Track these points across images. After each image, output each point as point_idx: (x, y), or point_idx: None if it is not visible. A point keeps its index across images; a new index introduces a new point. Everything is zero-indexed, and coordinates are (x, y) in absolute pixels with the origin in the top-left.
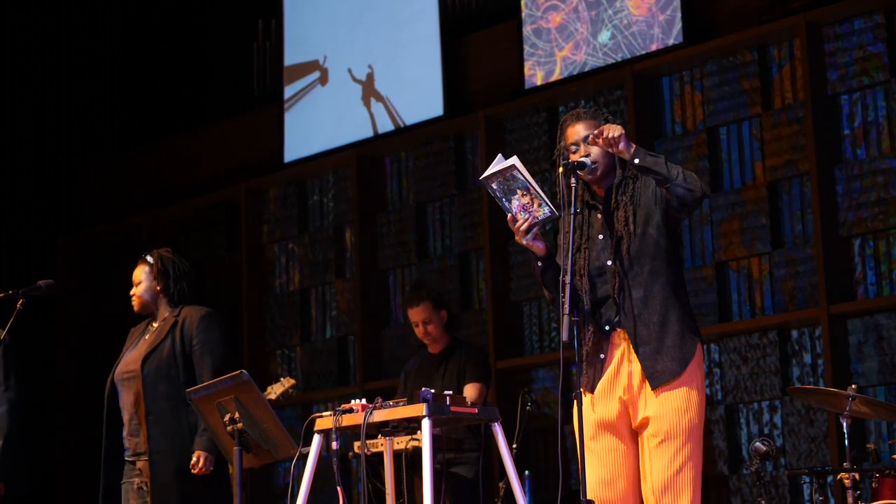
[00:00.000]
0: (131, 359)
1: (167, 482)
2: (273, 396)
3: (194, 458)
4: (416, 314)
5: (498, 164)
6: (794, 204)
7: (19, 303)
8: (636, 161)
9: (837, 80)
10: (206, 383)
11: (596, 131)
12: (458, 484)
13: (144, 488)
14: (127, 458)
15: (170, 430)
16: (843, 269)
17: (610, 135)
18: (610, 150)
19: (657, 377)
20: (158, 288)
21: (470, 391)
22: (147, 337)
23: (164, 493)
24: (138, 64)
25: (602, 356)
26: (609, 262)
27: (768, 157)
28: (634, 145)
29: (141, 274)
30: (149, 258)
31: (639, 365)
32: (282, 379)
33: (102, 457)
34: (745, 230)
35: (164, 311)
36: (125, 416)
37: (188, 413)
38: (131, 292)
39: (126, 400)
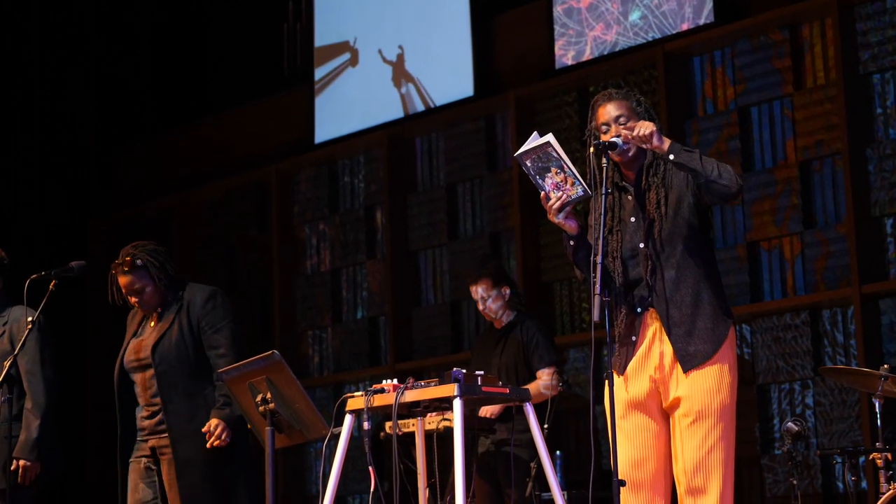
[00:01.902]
0: (140, 347)
1: (194, 468)
2: None
3: (208, 425)
4: (475, 291)
5: (533, 141)
6: (825, 184)
7: (52, 284)
8: (671, 157)
9: (870, 59)
10: (237, 364)
11: (626, 131)
12: (513, 465)
13: (153, 468)
14: (139, 438)
15: (189, 413)
16: (875, 248)
17: (640, 133)
18: (643, 146)
19: (689, 360)
20: (161, 285)
21: (544, 377)
22: (152, 324)
23: (192, 479)
24: (169, 46)
25: (634, 338)
26: (641, 245)
27: (800, 137)
28: (669, 140)
29: (138, 281)
30: (138, 262)
31: (670, 346)
32: None
33: (119, 444)
34: (777, 210)
35: (168, 297)
36: (141, 402)
37: (205, 394)
38: (134, 300)
39: (141, 387)
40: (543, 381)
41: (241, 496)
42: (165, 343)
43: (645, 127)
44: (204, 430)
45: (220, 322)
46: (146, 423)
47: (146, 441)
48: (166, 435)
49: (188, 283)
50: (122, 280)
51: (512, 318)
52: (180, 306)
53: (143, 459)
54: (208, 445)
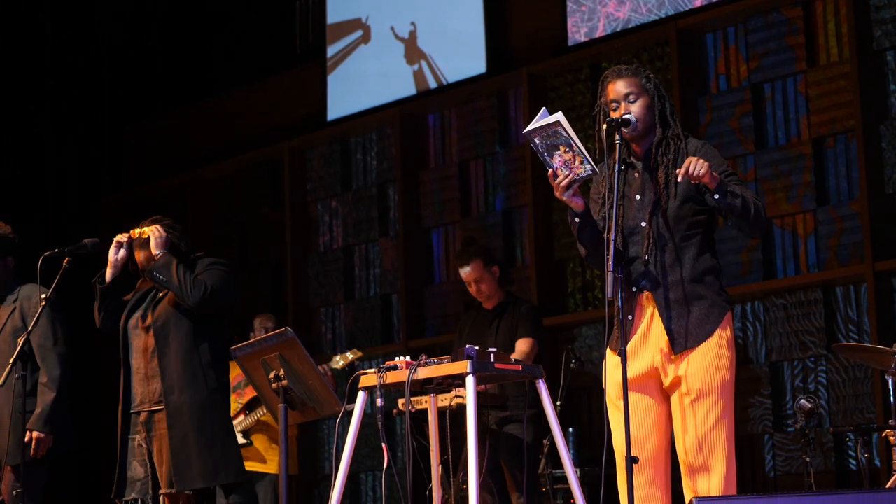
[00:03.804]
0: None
1: (184, 417)
2: (338, 366)
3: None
4: (466, 274)
5: (542, 118)
6: (839, 160)
7: (65, 261)
8: (716, 196)
9: (883, 35)
10: (250, 341)
11: (682, 169)
12: (514, 443)
13: (144, 445)
14: (132, 412)
15: (183, 367)
16: (889, 225)
17: (696, 173)
18: (693, 182)
19: (679, 343)
20: (185, 252)
21: (521, 346)
22: (160, 295)
23: (182, 429)
24: (181, 23)
25: (631, 317)
26: (644, 224)
27: (813, 114)
28: (719, 179)
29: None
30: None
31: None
32: (348, 351)
33: (120, 410)
34: (790, 187)
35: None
36: (136, 364)
37: (201, 350)
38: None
39: (137, 348)
40: (518, 350)
41: (230, 448)
42: (164, 300)
43: (700, 167)
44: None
45: (214, 273)
46: (140, 389)
47: (138, 414)
48: (160, 407)
49: (200, 259)
50: (140, 255)
51: (503, 297)
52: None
53: (136, 437)
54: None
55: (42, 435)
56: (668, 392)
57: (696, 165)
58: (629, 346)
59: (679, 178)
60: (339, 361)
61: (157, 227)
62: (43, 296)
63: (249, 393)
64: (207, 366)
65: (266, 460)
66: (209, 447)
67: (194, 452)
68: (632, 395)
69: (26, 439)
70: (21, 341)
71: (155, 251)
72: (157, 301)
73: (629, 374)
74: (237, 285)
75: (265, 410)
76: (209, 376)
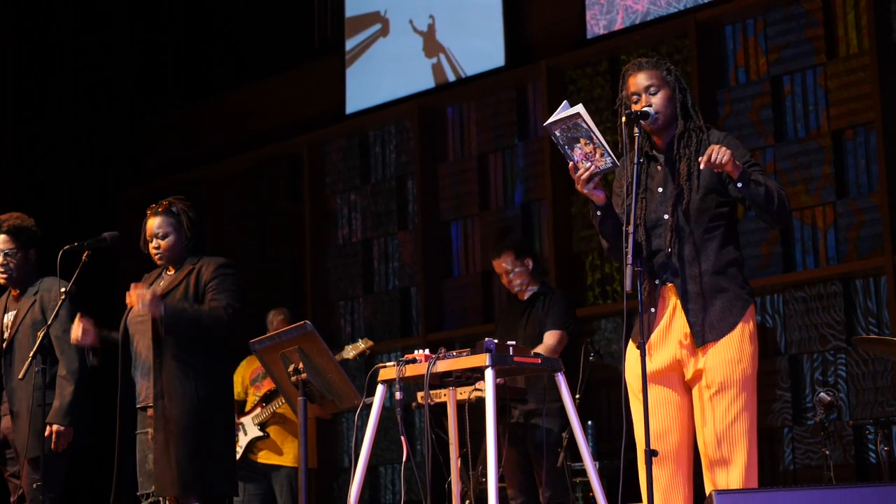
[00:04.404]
0: None
1: (170, 424)
2: (349, 356)
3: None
4: (498, 265)
5: (563, 110)
6: (858, 153)
7: (85, 255)
8: (739, 185)
9: None
10: (269, 334)
11: (704, 157)
12: (541, 436)
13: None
14: (139, 407)
15: (177, 374)
16: None
17: (719, 160)
18: (716, 170)
19: (701, 336)
20: (186, 241)
21: (547, 339)
22: (161, 283)
23: (167, 435)
24: (200, 17)
25: (653, 309)
26: (666, 216)
27: (832, 106)
28: (741, 168)
29: (166, 225)
30: (173, 209)
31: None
32: (359, 340)
33: (119, 405)
34: (810, 180)
35: (185, 262)
36: (137, 361)
37: (195, 360)
38: (155, 244)
39: (139, 345)
40: (545, 343)
41: (214, 461)
42: (169, 300)
43: (723, 154)
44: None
45: (225, 283)
46: (144, 385)
47: (146, 410)
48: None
49: (205, 255)
50: (152, 221)
51: (536, 289)
52: (192, 270)
53: (150, 430)
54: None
55: (62, 428)
56: (690, 385)
57: (718, 153)
58: (651, 339)
59: (702, 167)
60: (350, 351)
61: (138, 294)
62: (63, 289)
63: (267, 385)
64: (203, 372)
65: (282, 452)
66: (189, 458)
67: (173, 461)
68: (654, 388)
69: (46, 433)
70: (40, 334)
71: (155, 316)
72: (165, 295)
73: (652, 367)
74: (246, 283)
75: (282, 402)
76: (202, 384)
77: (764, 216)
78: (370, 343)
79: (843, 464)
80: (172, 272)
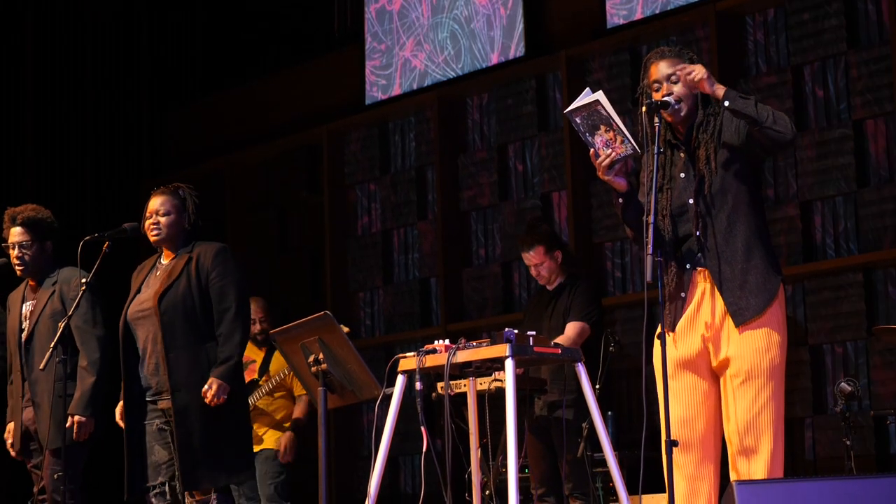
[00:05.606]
0: (145, 297)
1: (190, 417)
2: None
3: (206, 385)
4: (529, 258)
5: (584, 97)
6: (879, 142)
7: (105, 245)
8: (726, 103)
9: None
10: (289, 325)
11: (681, 72)
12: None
13: (166, 428)
14: (148, 399)
15: (191, 366)
16: None
17: (693, 77)
18: (693, 91)
19: (741, 314)
20: (187, 224)
21: (568, 330)
22: (159, 274)
23: (188, 428)
24: (220, 7)
25: (683, 295)
26: (691, 201)
27: (854, 96)
28: (724, 88)
29: (168, 205)
30: (179, 192)
31: (721, 303)
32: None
33: (123, 398)
34: (831, 169)
35: (180, 248)
36: (144, 355)
37: (208, 349)
38: (154, 220)
39: (144, 338)
40: (566, 334)
41: (232, 449)
42: (172, 294)
43: (698, 72)
44: (203, 390)
45: (228, 276)
46: (153, 379)
47: (156, 402)
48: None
49: (198, 241)
50: (155, 199)
51: (564, 280)
52: (189, 259)
53: (157, 421)
54: (208, 402)
55: (83, 419)
56: (718, 372)
57: (694, 71)
58: (679, 326)
59: (684, 85)
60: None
61: (213, 395)
62: (83, 280)
63: (249, 375)
64: (215, 360)
65: (262, 440)
66: (216, 448)
67: (200, 454)
68: (681, 375)
69: (67, 424)
70: (62, 325)
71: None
72: (165, 291)
73: (679, 354)
74: (240, 263)
75: (260, 395)
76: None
77: (764, 132)
78: (346, 329)
79: (864, 454)
80: (166, 261)
